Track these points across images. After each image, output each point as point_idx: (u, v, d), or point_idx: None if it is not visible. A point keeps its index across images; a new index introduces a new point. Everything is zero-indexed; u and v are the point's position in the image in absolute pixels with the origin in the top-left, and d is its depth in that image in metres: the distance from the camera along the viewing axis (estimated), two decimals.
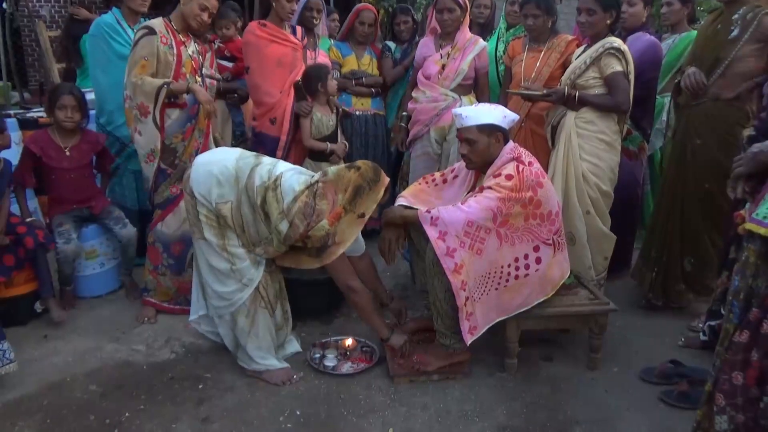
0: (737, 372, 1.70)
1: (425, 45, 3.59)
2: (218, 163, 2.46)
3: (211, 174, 2.42)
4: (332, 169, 2.44)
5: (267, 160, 2.51)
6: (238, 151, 2.57)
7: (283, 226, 2.33)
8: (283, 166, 2.47)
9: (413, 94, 3.57)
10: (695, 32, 3.50)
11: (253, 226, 2.42)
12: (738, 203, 2.02)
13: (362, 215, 2.37)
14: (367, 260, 2.76)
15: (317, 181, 2.39)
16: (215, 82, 3.19)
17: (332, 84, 3.38)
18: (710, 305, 2.69)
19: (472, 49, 3.44)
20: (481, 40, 3.55)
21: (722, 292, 2.45)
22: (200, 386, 2.49)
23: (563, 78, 3.01)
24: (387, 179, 2.44)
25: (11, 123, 3.78)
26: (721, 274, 2.54)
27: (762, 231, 1.68)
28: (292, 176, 2.40)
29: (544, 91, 2.94)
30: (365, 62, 3.95)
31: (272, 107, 3.35)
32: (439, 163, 3.51)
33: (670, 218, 3.01)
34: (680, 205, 2.97)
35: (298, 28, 3.50)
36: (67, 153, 3.16)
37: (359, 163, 2.45)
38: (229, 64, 3.76)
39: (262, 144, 3.42)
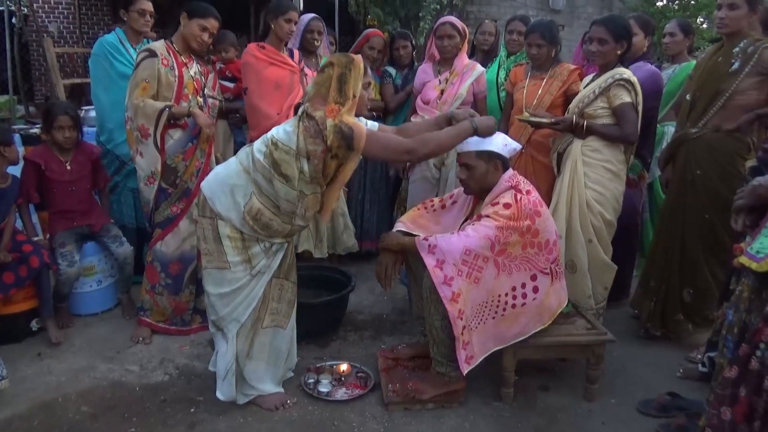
0: (726, 407, 1.68)
1: (424, 71, 3.62)
2: (224, 172, 2.41)
3: (224, 183, 2.36)
4: (308, 86, 2.37)
5: (258, 140, 2.46)
6: (234, 157, 2.51)
7: (305, 164, 2.25)
8: (271, 131, 2.41)
9: (412, 119, 3.59)
10: (695, 62, 3.53)
11: (283, 197, 2.31)
12: (739, 234, 2.02)
13: (355, 97, 2.29)
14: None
15: (303, 111, 2.32)
16: (217, 103, 3.22)
17: None
18: (710, 336, 2.66)
19: (470, 74, 3.48)
20: (479, 65, 3.59)
21: (722, 323, 2.43)
22: (192, 410, 2.46)
23: (571, 106, 3.01)
24: (359, 57, 2.36)
25: (14, 139, 3.80)
26: (721, 305, 2.52)
27: (754, 266, 1.67)
28: (280, 127, 2.36)
29: (553, 119, 2.95)
30: None
31: (270, 129, 3.36)
32: (437, 187, 3.52)
33: (670, 248, 3.00)
34: (680, 235, 2.96)
35: (296, 52, 3.54)
36: (68, 167, 3.19)
37: (327, 59, 2.38)
38: (231, 85, 3.79)
39: None
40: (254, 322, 2.45)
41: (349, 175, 2.32)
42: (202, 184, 2.46)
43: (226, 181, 2.37)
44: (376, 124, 2.61)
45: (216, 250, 2.37)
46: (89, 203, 3.32)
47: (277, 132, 2.33)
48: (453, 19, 3.51)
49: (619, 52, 2.88)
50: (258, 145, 2.36)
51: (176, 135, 2.98)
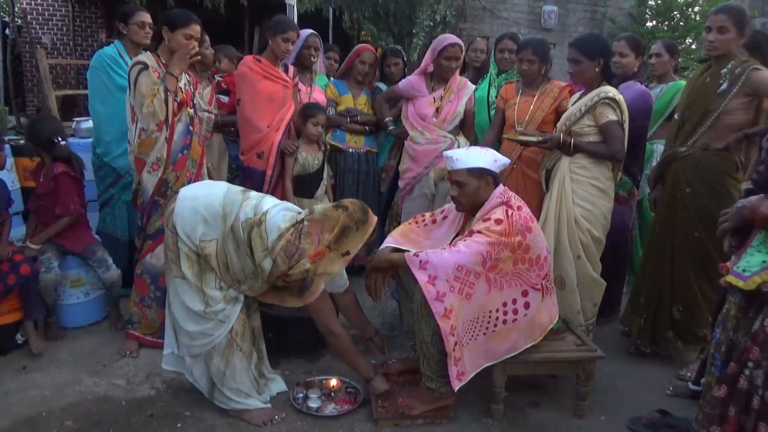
0: (715, 427, 1.68)
1: (416, 84, 3.61)
2: (204, 200, 2.40)
3: (196, 212, 2.37)
4: (318, 208, 2.38)
5: (254, 195, 2.47)
6: (224, 186, 2.51)
7: (267, 264, 2.28)
8: (269, 202, 2.42)
9: (411, 133, 3.60)
10: (682, 82, 3.58)
11: (237, 263, 2.36)
12: (728, 253, 2.03)
13: (347, 253, 2.33)
14: (351, 296, 2.72)
15: (303, 220, 2.35)
16: (213, 117, 3.22)
17: (310, 128, 3.46)
18: (704, 357, 2.64)
19: (465, 91, 3.54)
20: (469, 82, 3.63)
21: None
22: (179, 425, 2.43)
23: (558, 124, 3.04)
24: (375, 218, 2.41)
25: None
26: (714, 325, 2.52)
27: (740, 284, 1.69)
28: (278, 213, 2.36)
29: (540, 138, 2.97)
30: (361, 101, 3.99)
31: (260, 141, 3.38)
32: (433, 203, 3.54)
33: (660, 265, 3.01)
34: (670, 252, 2.97)
35: (291, 67, 3.56)
36: (41, 179, 3.17)
37: (347, 202, 2.40)
38: (226, 98, 3.80)
39: (249, 178, 3.45)
40: (228, 344, 2.44)
41: (289, 302, 2.37)
42: (180, 194, 2.46)
43: (200, 211, 2.37)
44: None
45: (173, 261, 2.42)
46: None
47: (272, 213, 2.34)
48: (458, 39, 3.52)
49: (597, 69, 2.92)
50: (248, 206, 2.36)
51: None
